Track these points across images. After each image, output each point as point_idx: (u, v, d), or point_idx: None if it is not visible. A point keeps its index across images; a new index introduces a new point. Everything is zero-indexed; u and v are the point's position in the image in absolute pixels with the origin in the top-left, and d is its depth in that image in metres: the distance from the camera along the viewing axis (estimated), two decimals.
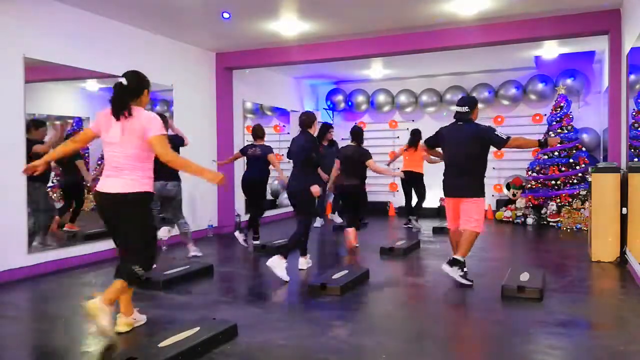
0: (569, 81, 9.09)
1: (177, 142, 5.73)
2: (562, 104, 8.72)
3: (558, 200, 8.42)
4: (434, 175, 8.87)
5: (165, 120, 5.14)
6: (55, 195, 6.66)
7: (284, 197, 10.45)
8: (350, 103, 10.89)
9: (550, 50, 8.19)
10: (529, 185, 8.80)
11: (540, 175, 8.64)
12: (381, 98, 10.63)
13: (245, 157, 6.79)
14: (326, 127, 8.20)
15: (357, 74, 10.19)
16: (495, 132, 4.67)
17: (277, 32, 6.85)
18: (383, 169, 7.25)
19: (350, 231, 6.50)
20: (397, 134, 10.74)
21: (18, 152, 5.20)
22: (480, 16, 6.26)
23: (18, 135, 5.21)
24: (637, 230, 4.83)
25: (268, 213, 9.43)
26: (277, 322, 3.73)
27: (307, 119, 5.27)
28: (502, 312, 4.04)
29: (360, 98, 10.80)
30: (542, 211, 8.61)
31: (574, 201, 8.19)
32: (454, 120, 4.85)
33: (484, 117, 9.41)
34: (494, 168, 9.48)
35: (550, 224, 8.41)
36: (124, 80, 3.32)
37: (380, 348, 3.22)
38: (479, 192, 4.71)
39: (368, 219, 9.02)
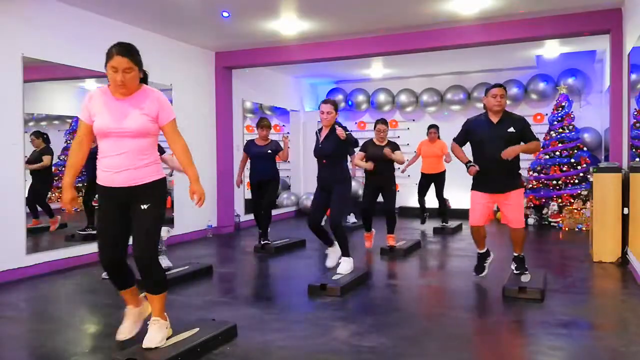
0: (570, 80, 9.06)
1: None
2: (563, 104, 8.69)
3: (559, 201, 8.40)
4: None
5: None
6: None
7: (283, 197, 10.44)
8: (350, 102, 10.86)
9: (552, 49, 8.17)
10: (530, 185, 8.77)
11: (542, 175, 8.62)
12: (381, 97, 10.60)
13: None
14: None
15: (357, 73, 10.16)
16: None
17: (277, 31, 6.83)
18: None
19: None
20: (397, 133, 10.71)
21: (17, 152, 5.18)
22: (481, 15, 6.24)
23: (17, 135, 5.19)
24: (638, 231, 4.80)
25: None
26: (277, 323, 3.71)
27: None
28: (503, 313, 4.02)
29: (360, 97, 10.77)
30: (544, 211, 8.58)
31: (576, 201, 8.16)
32: None
33: None
34: None
35: (552, 224, 8.39)
36: None
37: (381, 349, 3.20)
38: None
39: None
